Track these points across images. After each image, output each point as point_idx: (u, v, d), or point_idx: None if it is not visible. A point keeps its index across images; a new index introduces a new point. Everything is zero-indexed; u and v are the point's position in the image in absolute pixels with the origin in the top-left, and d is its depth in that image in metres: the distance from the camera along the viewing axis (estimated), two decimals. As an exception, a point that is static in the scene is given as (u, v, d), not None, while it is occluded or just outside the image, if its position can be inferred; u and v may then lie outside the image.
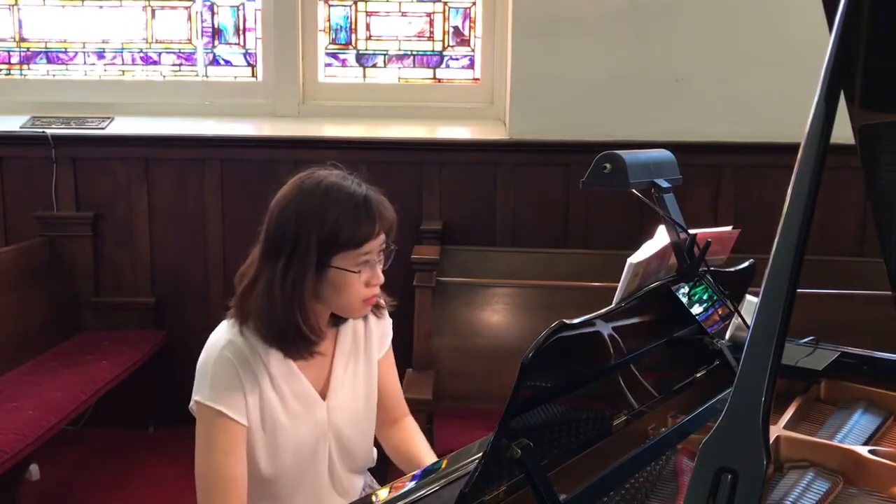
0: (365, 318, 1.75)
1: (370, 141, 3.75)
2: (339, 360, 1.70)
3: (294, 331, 1.54)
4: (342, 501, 1.76)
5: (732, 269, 1.74)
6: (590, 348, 1.37)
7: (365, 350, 1.75)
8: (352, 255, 1.53)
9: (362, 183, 1.58)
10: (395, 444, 1.85)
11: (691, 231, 1.58)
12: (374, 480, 1.90)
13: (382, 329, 1.79)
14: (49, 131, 3.78)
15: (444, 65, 4.06)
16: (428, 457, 1.78)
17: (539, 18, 3.70)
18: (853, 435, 1.55)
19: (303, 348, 1.57)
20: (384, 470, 2.01)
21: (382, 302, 1.74)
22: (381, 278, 1.60)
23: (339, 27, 4.06)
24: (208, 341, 1.61)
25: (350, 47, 4.07)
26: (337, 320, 1.68)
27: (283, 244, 1.53)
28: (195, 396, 1.58)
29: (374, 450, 1.85)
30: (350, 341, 1.72)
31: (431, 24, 4.05)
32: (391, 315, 1.83)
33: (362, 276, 1.56)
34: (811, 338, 1.86)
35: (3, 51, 4.09)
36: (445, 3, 4.02)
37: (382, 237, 1.57)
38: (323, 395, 1.67)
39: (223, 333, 1.60)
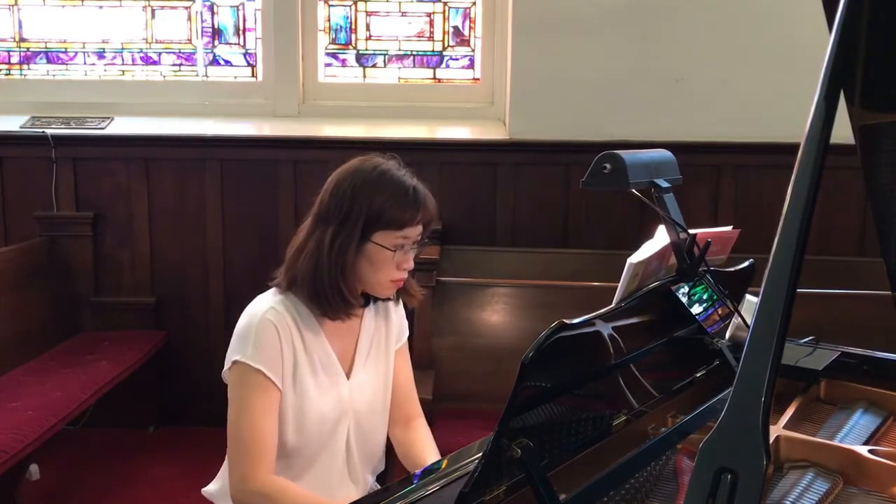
0: (387, 307, 1.85)
1: (370, 141, 3.74)
2: (363, 343, 1.80)
3: (335, 290, 1.66)
4: (352, 489, 1.79)
5: (732, 269, 1.74)
6: (590, 348, 1.37)
7: (386, 338, 1.85)
8: (391, 234, 1.66)
9: (414, 176, 1.72)
10: (405, 446, 1.88)
11: (691, 231, 1.58)
12: (377, 485, 1.91)
13: (401, 321, 1.90)
14: (49, 131, 3.78)
15: (444, 65, 4.06)
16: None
17: (539, 18, 3.70)
18: (853, 435, 1.55)
19: (341, 309, 1.69)
20: (385, 472, 2.01)
21: (414, 289, 1.82)
22: (412, 264, 1.72)
23: (339, 27, 4.06)
24: (250, 306, 1.72)
25: (350, 47, 4.07)
26: (366, 301, 1.78)
27: (335, 213, 1.67)
28: (234, 356, 1.66)
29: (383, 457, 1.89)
30: (373, 326, 1.83)
31: (431, 24, 4.05)
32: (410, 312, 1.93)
33: (396, 257, 1.67)
34: (811, 338, 1.86)
35: (3, 51, 4.09)
36: (445, 3, 4.02)
37: (421, 228, 1.70)
38: (347, 374, 1.77)
39: (267, 299, 1.72)
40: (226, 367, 1.69)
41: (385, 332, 1.85)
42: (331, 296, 1.66)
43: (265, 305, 1.70)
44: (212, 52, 4.08)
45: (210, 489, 1.83)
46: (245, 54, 4.08)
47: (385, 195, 1.65)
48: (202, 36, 4.07)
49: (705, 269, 1.61)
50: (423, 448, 1.84)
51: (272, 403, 1.65)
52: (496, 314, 3.26)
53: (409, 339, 1.96)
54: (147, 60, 4.09)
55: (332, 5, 4.03)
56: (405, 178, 1.69)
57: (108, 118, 3.93)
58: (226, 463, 1.78)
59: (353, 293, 1.69)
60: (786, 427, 1.50)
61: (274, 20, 3.96)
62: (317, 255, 1.66)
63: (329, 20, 4.04)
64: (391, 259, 1.67)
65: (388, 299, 1.82)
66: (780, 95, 3.58)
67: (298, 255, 1.70)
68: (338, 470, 1.77)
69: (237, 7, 4.06)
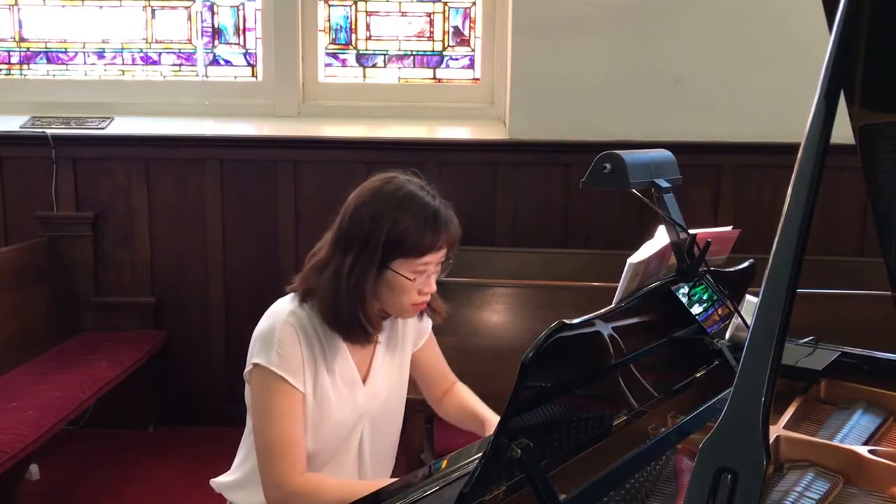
0: None
1: (370, 141, 3.74)
2: (380, 350, 1.80)
3: (354, 321, 1.65)
4: None
5: (732, 269, 1.74)
6: (590, 348, 1.37)
7: (401, 345, 1.85)
8: (411, 263, 1.63)
9: (436, 196, 1.68)
10: (450, 408, 1.94)
11: (691, 231, 1.58)
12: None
13: (419, 328, 1.88)
14: (49, 131, 3.78)
15: (444, 65, 4.06)
16: (483, 409, 1.86)
17: (539, 18, 3.70)
18: (853, 435, 1.55)
19: (361, 337, 1.68)
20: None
21: (439, 307, 1.80)
22: (433, 287, 1.69)
23: (339, 27, 4.06)
24: (270, 310, 1.70)
25: (350, 47, 4.07)
26: (386, 313, 1.78)
27: (354, 240, 1.63)
28: (256, 359, 1.64)
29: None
30: (389, 334, 1.82)
31: (431, 24, 4.05)
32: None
33: (416, 283, 1.65)
34: (811, 338, 1.86)
35: (3, 51, 4.09)
36: (445, 3, 4.02)
37: (444, 251, 1.66)
38: (364, 379, 1.77)
39: (286, 304, 1.69)
40: (247, 369, 1.67)
41: (401, 334, 1.84)
42: (349, 322, 1.65)
43: (286, 310, 1.67)
44: (212, 52, 4.08)
45: (221, 480, 1.81)
46: (245, 54, 4.08)
47: (406, 222, 1.60)
48: (202, 36, 4.07)
49: (705, 269, 1.61)
50: (470, 400, 1.91)
51: (297, 408, 1.64)
52: (496, 314, 3.26)
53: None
54: (147, 60, 4.09)
55: (332, 5, 4.04)
56: (427, 202, 1.64)
57: (108, 118, 3.93)
58: (239, 457, 1.79)
59: (372, 320, 1.67)
60: (786, 427, 1.50)
61: (274, 20, 3.96)
62: (335, 281, 1.63)
63: (329, 20, 4.04)
64: (412, 286, 1.64)
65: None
66: (780, 95, 3.58)
67: (318, 272, 1.67)
68: (348, 470, 1.77)
69: (237, 7, 4.06)
